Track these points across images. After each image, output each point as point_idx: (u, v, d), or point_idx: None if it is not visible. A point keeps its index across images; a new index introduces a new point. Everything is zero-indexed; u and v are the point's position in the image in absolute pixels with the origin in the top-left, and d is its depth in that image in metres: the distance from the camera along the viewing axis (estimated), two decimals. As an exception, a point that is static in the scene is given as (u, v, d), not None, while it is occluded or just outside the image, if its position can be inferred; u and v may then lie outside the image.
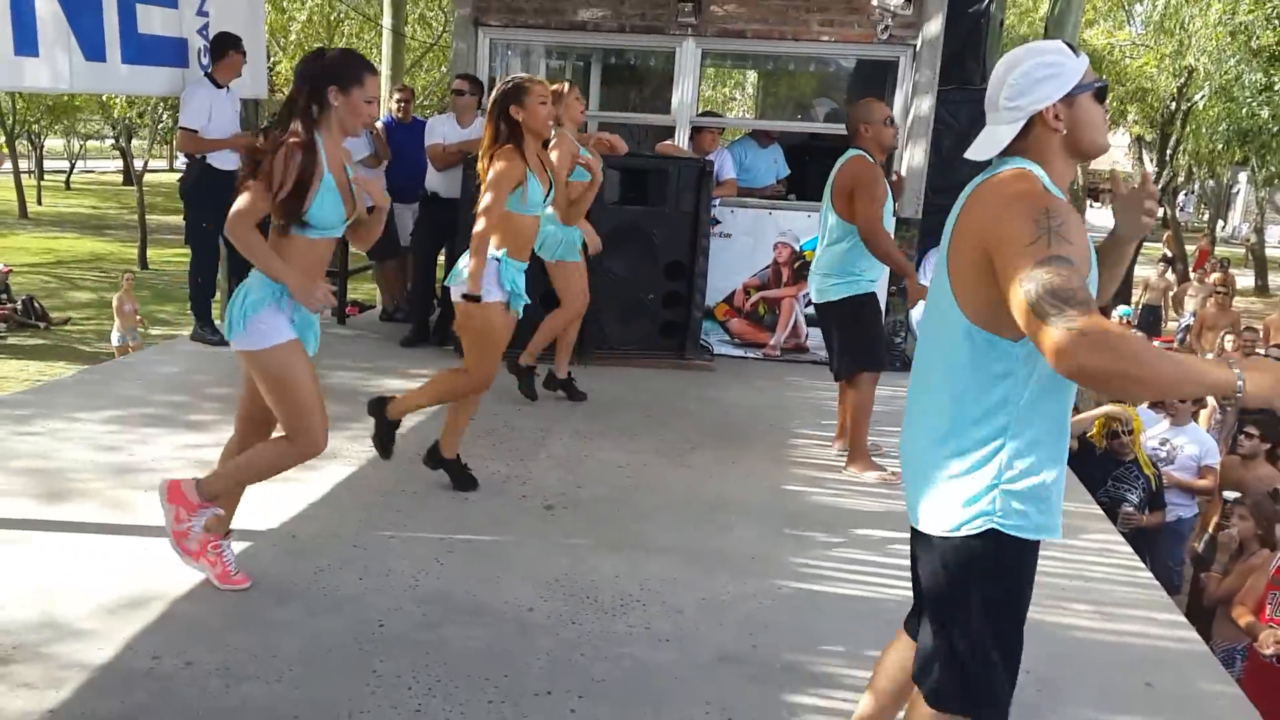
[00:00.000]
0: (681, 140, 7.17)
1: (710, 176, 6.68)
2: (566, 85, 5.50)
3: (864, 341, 4.93)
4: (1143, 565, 4.19)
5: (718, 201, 6.95)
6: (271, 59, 19.02)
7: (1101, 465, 5.98)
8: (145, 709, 2.74)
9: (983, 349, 2.02)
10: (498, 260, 4.25)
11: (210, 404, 5.55)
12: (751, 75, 11.88)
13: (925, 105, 6.46)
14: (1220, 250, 27.28)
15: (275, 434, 3.39)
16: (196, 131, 6.38)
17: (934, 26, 6.62)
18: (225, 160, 6.47)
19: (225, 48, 6.46)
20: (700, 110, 7.75)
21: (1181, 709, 3.10)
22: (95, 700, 2.76)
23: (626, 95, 9.44)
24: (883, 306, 6.73)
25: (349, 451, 4.85)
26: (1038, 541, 2.08)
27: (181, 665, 2.96)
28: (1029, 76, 2.05)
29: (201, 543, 3.37)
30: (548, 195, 4.44)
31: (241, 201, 3.12)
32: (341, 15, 17.68)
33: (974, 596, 2.07)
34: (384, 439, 4.40)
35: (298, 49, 18.78)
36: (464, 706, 2.84)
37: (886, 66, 7.05)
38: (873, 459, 4.98)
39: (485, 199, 4.18)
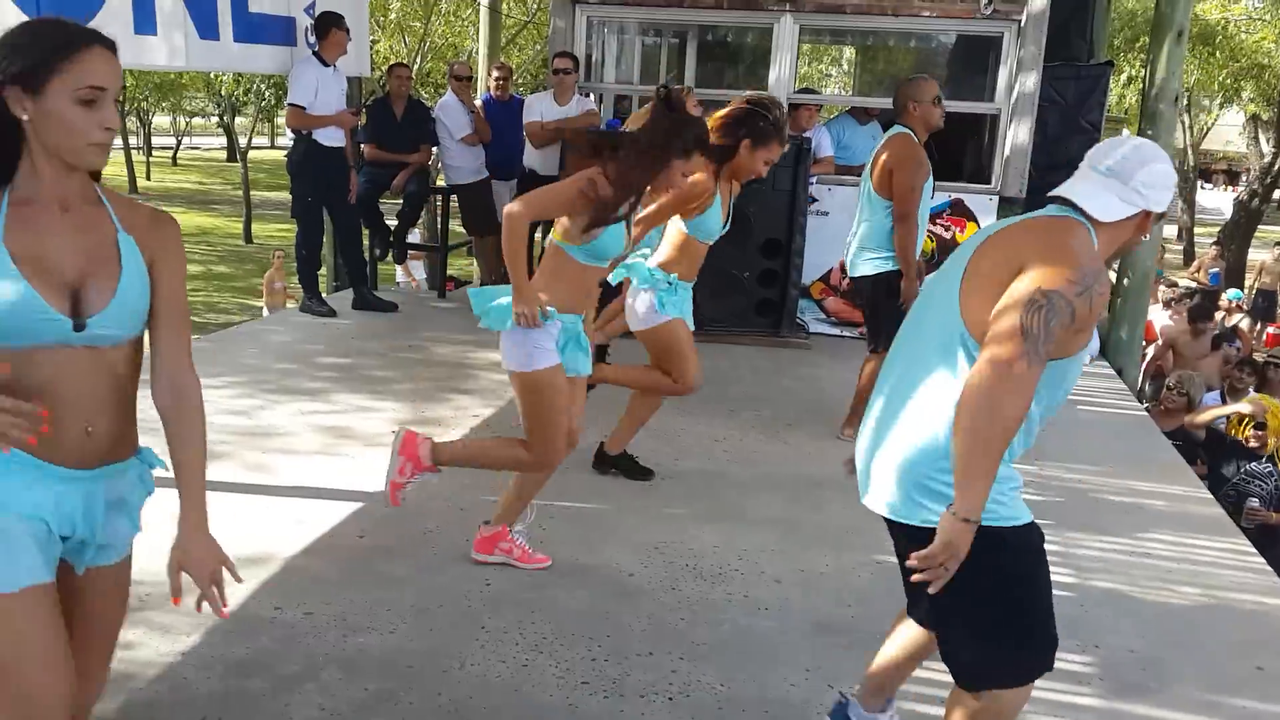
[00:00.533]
0: (779, 117, 7.14)
1: (808, 154, 6.65)
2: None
3: (897, 318, 4.85)
4: (1253, 550, 4.09)
5: (815, 179, 6.92)
6: (371, 37, 19.43)
7: (1230, 456, 5.80)
8: (270, 653, 2.89)
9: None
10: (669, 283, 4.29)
11: (324, 373, 5.75)
12: (849, 51, 11.73)
13: (1030, 82, 6.33)
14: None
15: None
16: (304, 108, 6.56)
17: (1040, 1, 6.48)
18: (331, 136, 6.65)
19: (329, 26, 6.62)
20: (797, 87, 7.71)
21: (1291, 693, 3.04)
22: (223, 645, 2.92)
23: (722, 72, 9.43)
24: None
25: (453, 420, 4.99)
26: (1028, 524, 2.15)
27: (302, 615, 3.11)
28: (1165, 178, 2.12)
29: (493, 538, 3.52)
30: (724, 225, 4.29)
31: (544, 196, 3.20)
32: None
33: (978, 585, 2.08)
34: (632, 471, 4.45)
35: (397, 28, 19.13)
36: (569, 663, 2.93)
37: (989, 42, 6.93)
38: None
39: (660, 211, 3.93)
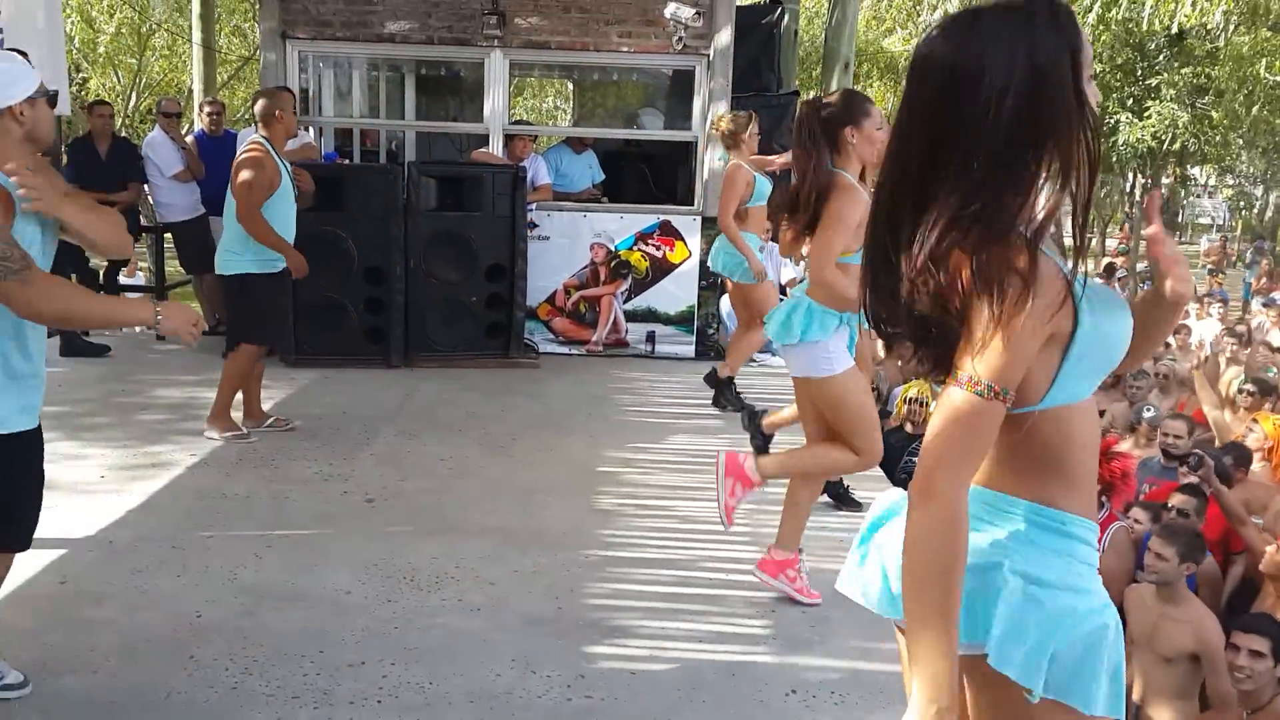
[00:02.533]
0: (496, 148, 7.41)
1: (524, 182, 6.95)
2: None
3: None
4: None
5: (534, 206, 7.22)
6: (81, 74, 18.31)
7: (902, 442, 6.47)
8: (21, 698, 2.81)
9: None
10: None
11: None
12: (571, 85, 12.24)
13: (721, 110, 6.86)
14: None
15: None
16: None
17: (724, 37, 7.07)
18: None
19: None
20: (517, 119, 8.00)
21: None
22: (-95, 704, 2.81)
23: (443, 104, 9.62)
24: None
25: (170, 459, 4.90)
26: None
27: (-5, 665, 3.02)
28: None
29: (784, 564, 3.54)
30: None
31: (832, 240, 3.28)
32: (152, 29, 17.14)
33: None
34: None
35: (107, 63, 18.13)
36: (280, 680, 3.01)
37: (690, 75, 7.47)
38: None
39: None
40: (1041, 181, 1.45)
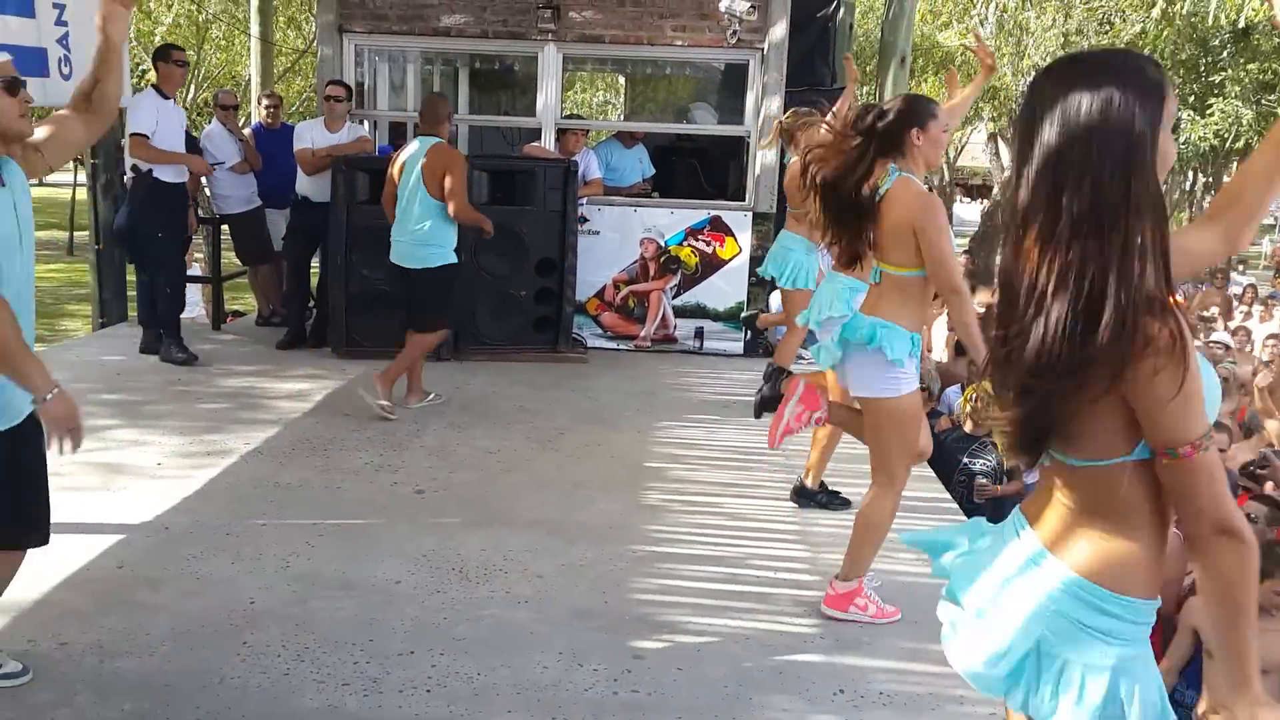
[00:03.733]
0: (548, 142, 7.43)
1: (575, 176, 6.96)
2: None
3: None
4: (964, 518, 4.59)
5: (584, 200, 7.23)
6: (141, 67, 18.64)
7: (960, 441, 6.37)
8: (19, 686, 2.87)
9: None
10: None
11: (97, 409, 5.57)
12: (623, 79, 12.25)
13: (775, 105, 6.85)
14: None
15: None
16: (148, 136, 6.30)
17: (779, 31, 7.03)
18: (172, 172, 6.49)
19: (157, 59, 6.55)
20: (568, 113, 8.02)
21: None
22: (-31, 682, 2.88)
23: (495, 98, 9.66)
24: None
25: (225, 447, 4.98)
26: None
27: (56, 646, 3.09)
28: None
29: (850, 595, 3.51)
30: None
31: (943, 250, 3.23)
32: (209, 20, 17.40)
33: None
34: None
35: (166, 56, 18.43)
36: (330, 668, 3.05)
37: (744, 69, 7.43)
38: None
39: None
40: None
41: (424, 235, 5.59)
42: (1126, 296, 1.44)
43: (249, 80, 15.44)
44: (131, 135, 6.38)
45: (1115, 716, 1.55)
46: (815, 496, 4.55)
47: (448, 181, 5.46)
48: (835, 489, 4.59)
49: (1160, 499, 1.56)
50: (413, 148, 5.63)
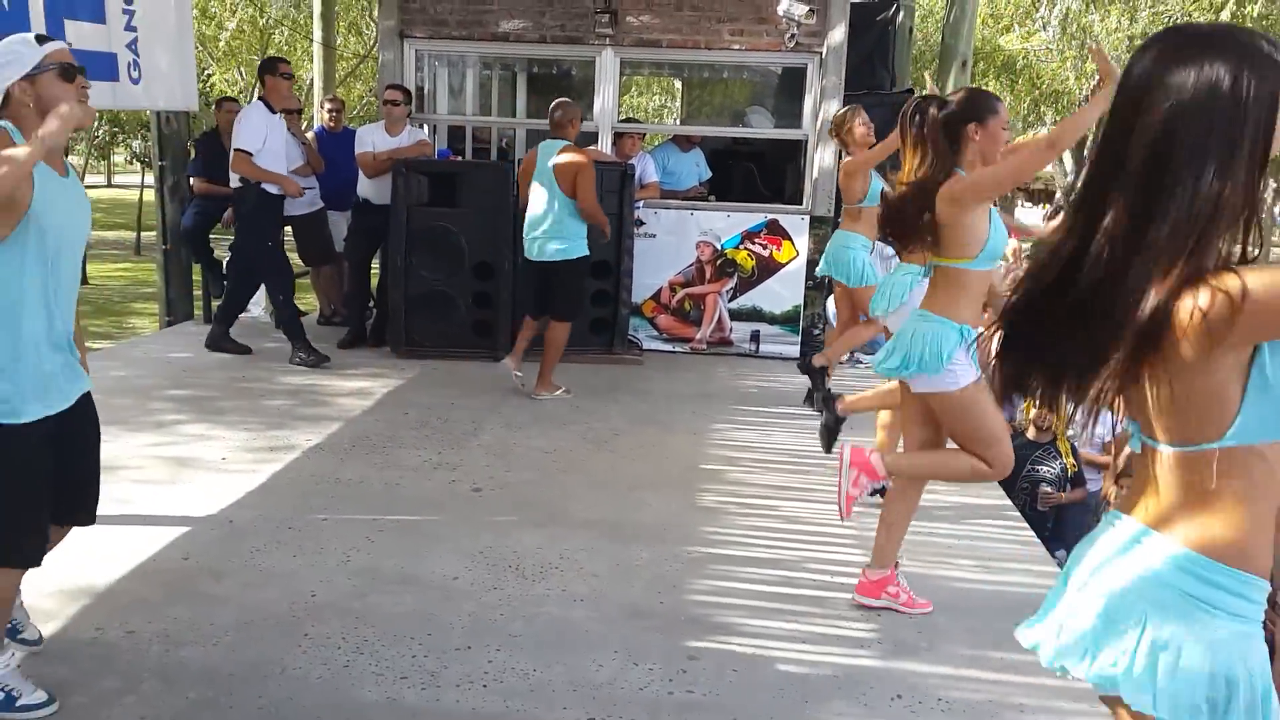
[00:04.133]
0: (605, 145, 7.46)
1: (632, 180, 6.98)
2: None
3: None
4: (1026, 527, 4.53)
5: (641, 203, 7.24)
6: (206, 71, 19.05)
7: (1024, 449, 6.27)
8: (88, 672, 2.95)
9: None
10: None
11: (163, 405, 5.72)
12: (679, 83, 12.27)
13: (832, 108, 6.79)
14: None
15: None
16: (251, 154, 6.42)
17: (838, 34, 6.99)
18: (279, 186, 6.62)
19: (263, 72, 6.65)
20: (625, 116, 8.04)
21: (1047, 645, 3.42)
22: (40, 666, 2.95)
23: (550, 103, 9.70)
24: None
25: (288, 443, 5.06)
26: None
27: (123, 635, 3.17)
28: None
29: (881, 582, 3.55)
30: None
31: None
32: (272, 23, 17.73)
33: None
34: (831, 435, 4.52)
35: (230, 60, 18.81)
36: (389, 661, 3.08)
37: (801, 73, 7.40)
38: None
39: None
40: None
41: (556, 231, 5.94)
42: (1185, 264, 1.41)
43: (311, 84, 15.71)
44: (236, 150, 6.45)
45: (1220, 694, 1.49)
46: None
47: (578, 180, 5.84)
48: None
49: (1260, 487, 1.50)
50: (544, 150, 5.98)
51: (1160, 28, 14.35)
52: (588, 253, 6.09)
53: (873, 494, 4.29)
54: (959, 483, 3.65)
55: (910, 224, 3.32)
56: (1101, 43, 13.79)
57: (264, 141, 6.45)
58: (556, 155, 5.90)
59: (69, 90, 2.62)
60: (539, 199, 5.97)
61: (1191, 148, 1.43)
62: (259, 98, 6.70)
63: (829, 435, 4.43)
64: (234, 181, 6.99)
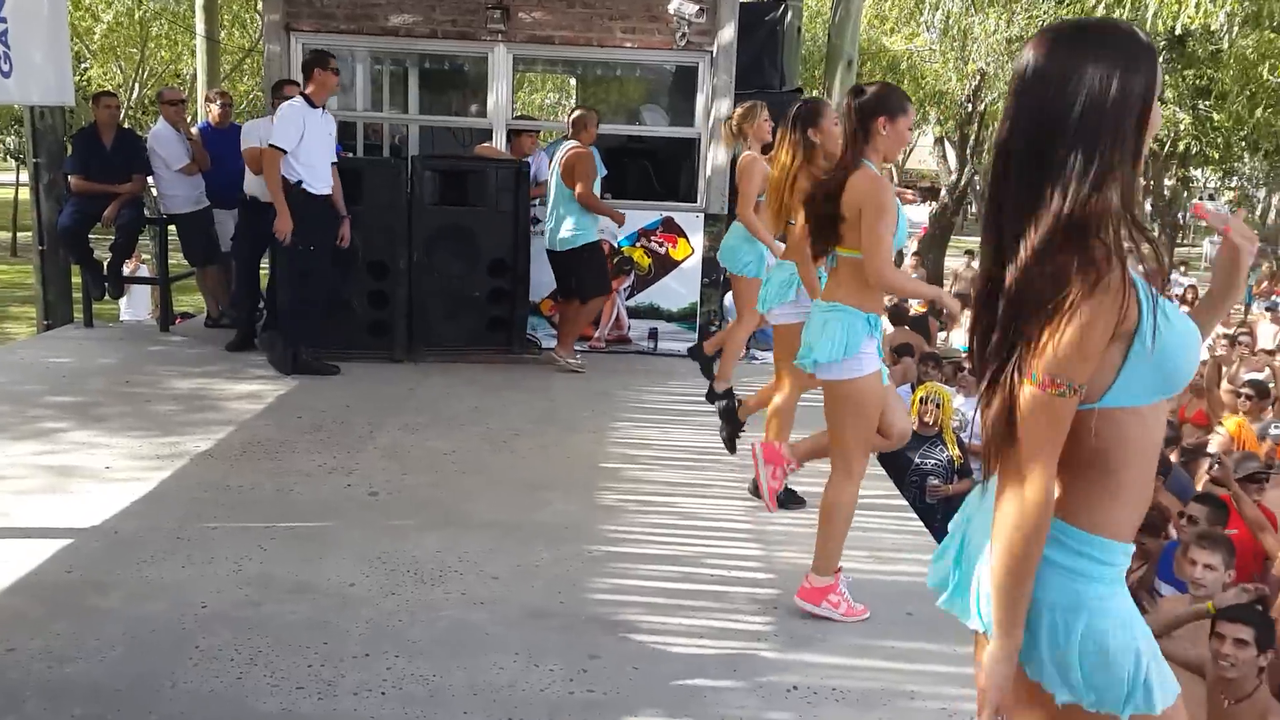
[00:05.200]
0: (499, 142, 7.42)
1: (527, 178, 6.97)
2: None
3: None
4: (915, 516, 4.68)
5: (537, 201, 7.23)
6: (84, 65, 18.31)
7: (911, 442, 6.42)
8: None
9: None
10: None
11: (45, 412, 5.49)
12: (574, 81, 12.28)
13: (724, 107, 6.89)
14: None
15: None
16: (286, 151, 6.11)
17: (727, 33, 7.09)
18: (321, 184, 6.31)
19: (313, 66, 6.25)
20: (520, 114, 8.01)
21: (936, 632, 3.53)
22: (-86, 691, 2.83)
23: (446, 99, 9.63)
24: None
25: (176, 450, 4.92)
26: None
27: (3, 652, 3.05)
28: None
29: (824, 590, 3.53)
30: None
31: (877, 237, 3.26)
32: (149, 16, 17.09)
33: None
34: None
35: (108, 53, 18.11)
36: (284, 671, 3.03)
37: (693, 71, 7.48)
38: None
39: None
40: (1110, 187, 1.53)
41: (561, 220, 6.61)
42: (1047, 232, 1.51)
43: (194, 79, 15.24)
44: (269, 145, 6.13)
45: (1091, 655, 1.58)
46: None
47: (575, 172, 6.47)
48: (792, 488, 4.64)
49: (1133, 446, 1.59)
50: (557, 148, 6.72)
51: (1036, 29, 14.92)
52: (595, 239, 6.69)
53: (788, 504, 4.42)
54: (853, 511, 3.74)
55: (829, 217, 3.40)
56: (981, 45, 14.27)
57: (300, 139, 6.14)
58: (561, 152, 6.57)
59: None
60: (551, 193, 6.67)
61: (1077, 137, 1.52)
62: (300, 93, 6.31)
63: (731, 441, 4.73)
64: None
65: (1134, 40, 1.54)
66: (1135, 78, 1.52)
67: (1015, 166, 1.57)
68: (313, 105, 6.24)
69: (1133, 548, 1.65)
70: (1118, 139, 1.52)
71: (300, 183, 6.24)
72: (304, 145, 6.16)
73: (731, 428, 4.82)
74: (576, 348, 7.29)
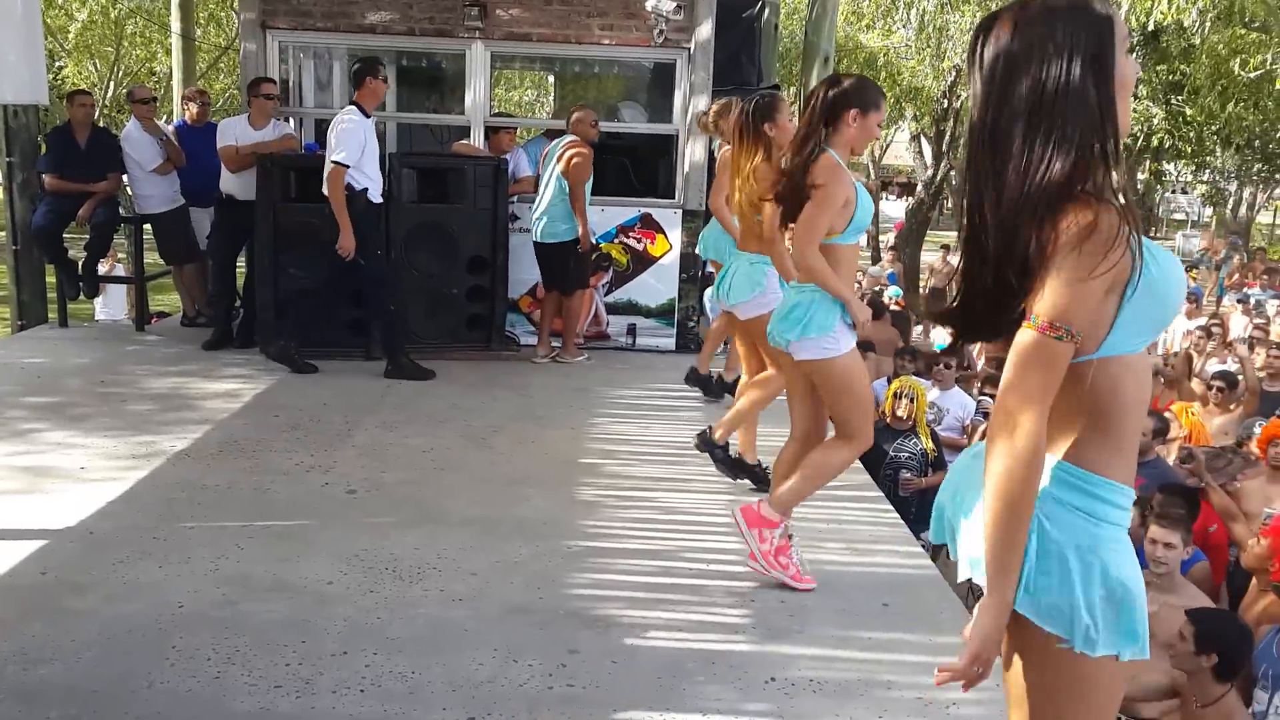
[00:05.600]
0: (477, 140, 7.41)
1: (505, 175, 6.96)
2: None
3: None
4: (892, 510, 4.71)
5: (515, 198, 7.22)
6: (58, 63, 18.15)
7: (885, 435, 6.48)
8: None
9: None
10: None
11: (18, 413, 5.45)
12: (552, 78, 12.26)
13: (702, 103, 6.90)
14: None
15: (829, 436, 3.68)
16: (349, 167, 6.03)
17: (705, 30, 7.10)
18: (378, 192, 6.29)
19: (365, 74, 6.16)
20: (498, 111, 8.00)
21: (912, 622, 3.57)
22: (-113, 694, 2.81)
23: (424, 96, 9.60)
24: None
25: (152, 449, 4.90)
26: None
27: (-24, 655, 3.03)
28: None
29: (767, 522, 3.59)
30: None
31: (812, 221, 3.34)
32: (125, 14, 16.95)
33: None
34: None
35: (83, 51, 17.96)
36: (262, 671, 3.03)
37: (671, 68, 7.49)
38: None
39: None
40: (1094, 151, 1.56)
41: (548, 214, 6.71)
42: (1029, 193, 1.55)
43: (169, 77, 15.12)
44: (335, 163, 6.03)
45: (1112, 594, 1.61)
46: (751, 470, 4.70)
47: (570, 166, 6.55)
48: (757, 470, 4.69)
49: (1130, 396, 1.63)
50: (542, 146, 6.89)
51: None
52: (575, 235, 6.70)
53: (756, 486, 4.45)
54: (841, 472, 3.76)
55: (798, 201, 3.45)
56: (956, 42, 14.34)
57: (363, 150, 6.09)
58: (561, 148, 6.63)
59: None
60: (548, 186, 6.70)
61: (1042, 111, 1.55)
62: (351, 101, 6.21)
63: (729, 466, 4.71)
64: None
65: (1087, 10, 1.57)
66: (1093, 44, 1.55)
67: (990, 141, 1.60)
68: (365, 114, 6.17)
69: (1130, 491, 1.68)
70: (1083, 109, 1.55)
71: (365, 190, 6.19)
72: (365, 155, 6.13)
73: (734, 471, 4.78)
74: (552, 343, 7.28)
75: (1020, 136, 1.56)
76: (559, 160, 6.61)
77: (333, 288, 6.59)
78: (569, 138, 6.66)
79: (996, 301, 1.61)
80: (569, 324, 7.03)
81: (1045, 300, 1.54)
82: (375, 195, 6.28)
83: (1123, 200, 1.55)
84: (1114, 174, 1.56)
